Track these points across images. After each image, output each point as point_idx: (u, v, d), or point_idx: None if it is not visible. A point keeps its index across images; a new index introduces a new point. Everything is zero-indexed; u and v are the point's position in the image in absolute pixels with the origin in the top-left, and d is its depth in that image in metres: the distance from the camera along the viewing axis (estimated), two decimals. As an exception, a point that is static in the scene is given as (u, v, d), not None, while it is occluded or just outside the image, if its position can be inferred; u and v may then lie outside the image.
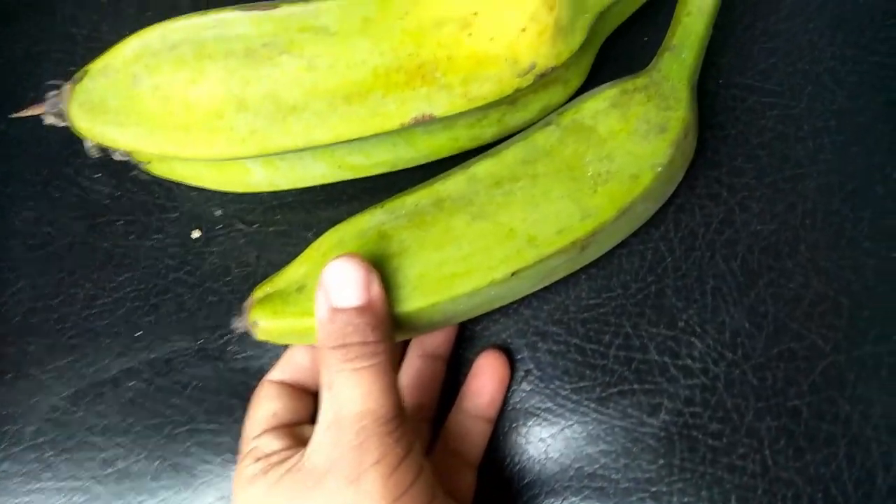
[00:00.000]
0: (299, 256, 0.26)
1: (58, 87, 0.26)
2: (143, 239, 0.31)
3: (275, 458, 0.23)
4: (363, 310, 0.23)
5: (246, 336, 0.26)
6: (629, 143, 0.27)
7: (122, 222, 0.32)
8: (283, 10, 0.25)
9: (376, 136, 0.26)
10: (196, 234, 0.31)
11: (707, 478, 0.27)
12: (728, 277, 0.29)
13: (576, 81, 0.30)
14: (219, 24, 0.24)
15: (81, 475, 0.29)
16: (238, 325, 0.26)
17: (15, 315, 0.31)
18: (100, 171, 0.32)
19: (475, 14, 0.26)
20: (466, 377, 0.29)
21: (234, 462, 0.28)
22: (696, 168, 0.30)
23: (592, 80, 0.30)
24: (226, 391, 0.29)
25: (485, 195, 0.26)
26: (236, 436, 0.26)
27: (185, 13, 0.26)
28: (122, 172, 0.32)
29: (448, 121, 0.27)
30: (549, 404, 0.29)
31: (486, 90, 0.26)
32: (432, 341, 0.29)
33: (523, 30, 0.26)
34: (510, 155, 0.27)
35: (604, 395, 0.28)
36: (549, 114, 0.28)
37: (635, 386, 0.28)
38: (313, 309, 0.23)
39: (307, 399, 0.26)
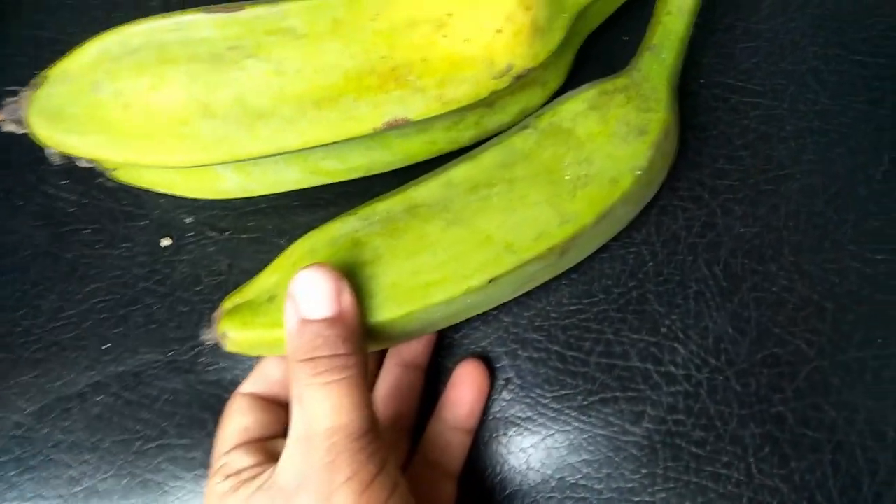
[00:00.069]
0: (270, 265, 0.26)
1: (17, 93, 0.25)
2: (110, 248, 0.30)
3: (245, 475, 0.23)
4: (333, 321, 0.22)
5: (217, 347, 0.25)
6: (608, 146, 0.26)
7: (88, 231, 0.31)
8: (249, 13, 0.24)
9: (350, 140, 0.26)
10: (166, 242, 0.30)
11: (691, 487, 0.27)
12: (711, 282, 0.28)
13: (554, 83, 0.29)
14: (181, 28, 0.24)
15: (48, 494, 0.28)
16: (207, 336, 0.25)
17: (-24, 329, 0.30)
18: (64, 177, 0.31)
19: (449, 15, 0.25)
20: (446, 387, 0.28)
21: (207, 478, 0.27)
22: (677, 170, 0.30)
23: (571, 81, 0.29)
24: (197, 404, 0.29)
25: (461, 200, 0.25)
26: (208, 450, 0.26)
27: (154, 15, 0.25)
28: (87, 179, 0.31)
29: (424, 124, 0.27)
30: (530, 413, 0.28)
31: (461, 93, 0.25)
32: (410, 350, 0.28)
33: (499, 30, 0.25)
34: (487, 159, 0.26)
35: (585, 403, 0.28)
36: (527, 116, 0.28)
37: (617, 394, 0.28)
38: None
39: (280, 412, 0.26)
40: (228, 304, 0.25)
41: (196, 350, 0.29)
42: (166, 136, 0.24)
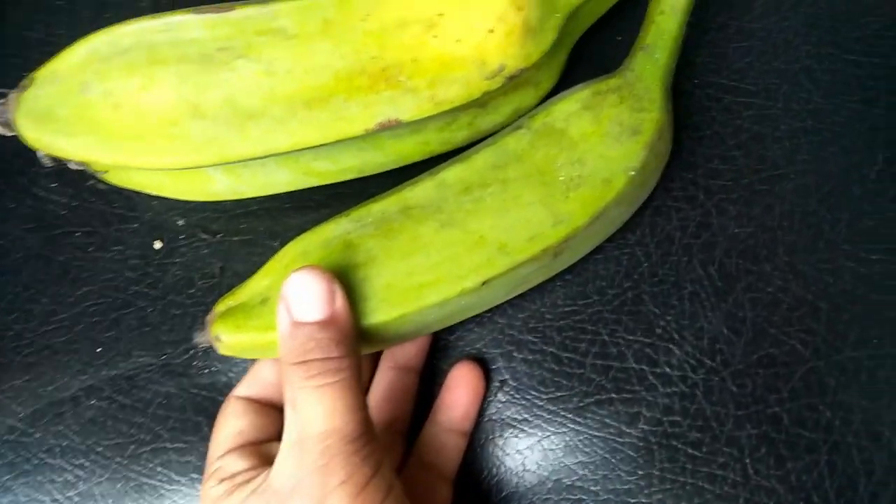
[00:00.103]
0: (262, 268, 0.25)
1: (4, 95, 0.25)
2: (102, 251, 0.30)
3: (239, 479, 0.23)
4: (326, 324, 0.22)
5: (211, 350, 0.25)
6: (602, 146, 0.26)
7: (79, 234, 0.31)
8: (239, 13, 0.24)
9: (342, 141, 0.25)
10: (158, 244, 0.30)
11: (687, 488, 0.27)
12: (705, 282, 0.28)
13: (547, 83, 0.29)
14: (171, 28, 0.23)
15: (41, 499, 0.28)
16: (200, 339, 0.25)
17: (-32, 333, 0.30)
18: (55, 180, 0.31)
19: (440, 15, 0.25)
20: (441, 389, 0.28)
21: (201, 482, 0.27)
22: (671, 170, 0.29)
23: (564, 82, 0.29)
24: (191, 408, 0.29)
25: (454, 202, 0.25)
26: (203, 454, 0.26)
27: (144, 15, 0.25)
28: (78, 182, 0.31)
29: (416, 125, 0.26)
30: (526, 415, 0.28)
31: (453, 93, 0.25)
32: (404, 353, 0.28)
33: (491, 31, 0.25)
34: (480, 160, 0.26)
35: (581, 404, 0.28)
36: (520, 117, 0.28)
37: (613, 395, 0.28)
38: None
39: (275, 415, 0.26)
40: (221, 306, 0.25)
41: (189, 353, 0.29)
42: (156, 136, 0.24)
